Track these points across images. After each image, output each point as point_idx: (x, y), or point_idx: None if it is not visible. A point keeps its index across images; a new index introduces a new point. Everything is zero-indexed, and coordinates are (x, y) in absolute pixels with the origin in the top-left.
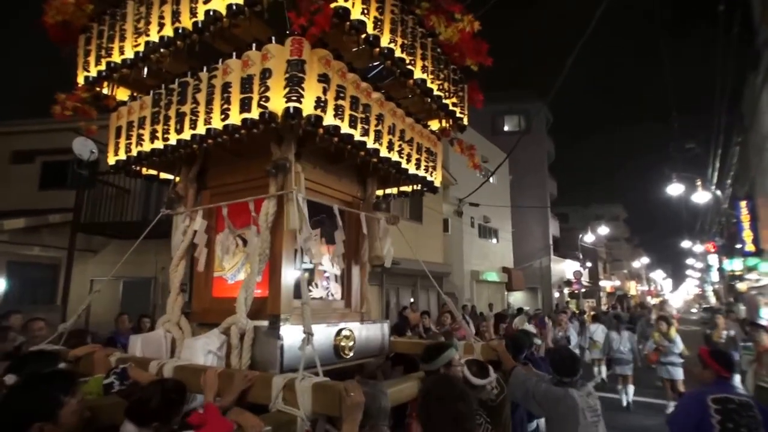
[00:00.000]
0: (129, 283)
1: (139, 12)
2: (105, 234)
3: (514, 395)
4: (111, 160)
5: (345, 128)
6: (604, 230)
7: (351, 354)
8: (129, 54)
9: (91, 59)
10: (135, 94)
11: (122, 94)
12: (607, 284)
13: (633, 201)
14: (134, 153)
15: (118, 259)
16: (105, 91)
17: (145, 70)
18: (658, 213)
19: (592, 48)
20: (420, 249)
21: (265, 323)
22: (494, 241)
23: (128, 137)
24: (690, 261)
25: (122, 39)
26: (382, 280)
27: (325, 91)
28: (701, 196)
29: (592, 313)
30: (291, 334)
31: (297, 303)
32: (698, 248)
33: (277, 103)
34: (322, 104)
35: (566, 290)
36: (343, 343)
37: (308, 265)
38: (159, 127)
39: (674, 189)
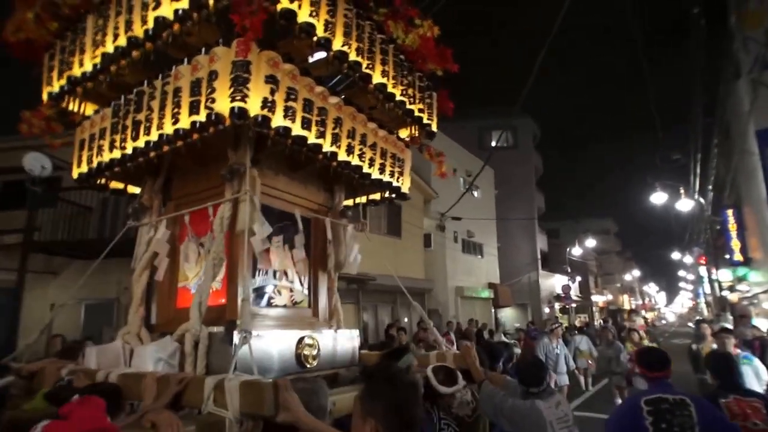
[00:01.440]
0: (91, 306)
1: (97, 25)
2: (62, 254)
3: (486, 412)
4: (75, 174)
5: (297, 130)
6: (591, 242)
7: (315, 363)
8: (88, 67)
9: (54, 75)
10: (99, 108)
11: (89, 109)
12: (599, 299)
13: (623, 214)
14: (95, 164)
15: (79, 280)
16: (71, 106)
17: (106, 82)
18: (649, 225)
19: (578, 64)
20: (399, 265)
21: (221, 329)
22: (479, 256)
23: (90, 149)
24: (682, 273)
25: (82, 52)
26: (359, 297)
27: (273, 92)
28: (685, 204)
29: (577, 325)
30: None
31: (256, 309)
32: (688, 259)
33: (223, 104)
34: (269, 105)
35: (557, 305)
36: (306, 352)
37: (274, 277)
38: (117, 137)
39: (658, 198)
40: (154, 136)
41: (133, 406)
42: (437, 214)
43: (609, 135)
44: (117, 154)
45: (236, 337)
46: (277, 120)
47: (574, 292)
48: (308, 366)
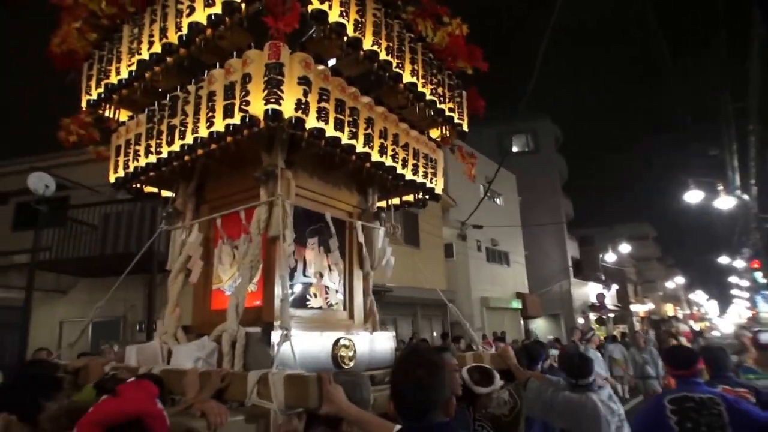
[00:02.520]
0: (98, 323)
1: (132, 34)
2: (69, 272)
3: (533, 410)
4: (112, 178)
5: (330, 131)
6: (626, 248)
7: (351, 364)
8: (124, 74)
9: (93, 83)
10: (133, 114)
11: (123, 116)
12: (639, 308)
13: (661, 218)
14: (131, 169)
15: (88, 298)
16: (107, 113)
17: (141, 89)
18: (690, 228)
19: (601, 65)
20: (418, 275)
21: (258, 330)
22: (505, 265)
23: (126, 154)
24: (733, 279)
25: (118, 61)
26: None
27: (306, 94)
28: (725, 202)
29: (610, 335)
30: (282, 341)
31: (292, 311)
32: (740, 263)
33: (258, 107)
34: (303, 106)
35: (592, 315)
36: (342, 353)
37: (310, 279)
38: (153, 142)
39: (693, 196)
40: (189, 139)
41: (174, 400)
42: (457, 222)
43: (638, 136)
44: (153, 158)
45: (276, 336)
46: (311, 121)
47: (611, 301)
48: (345, 367)
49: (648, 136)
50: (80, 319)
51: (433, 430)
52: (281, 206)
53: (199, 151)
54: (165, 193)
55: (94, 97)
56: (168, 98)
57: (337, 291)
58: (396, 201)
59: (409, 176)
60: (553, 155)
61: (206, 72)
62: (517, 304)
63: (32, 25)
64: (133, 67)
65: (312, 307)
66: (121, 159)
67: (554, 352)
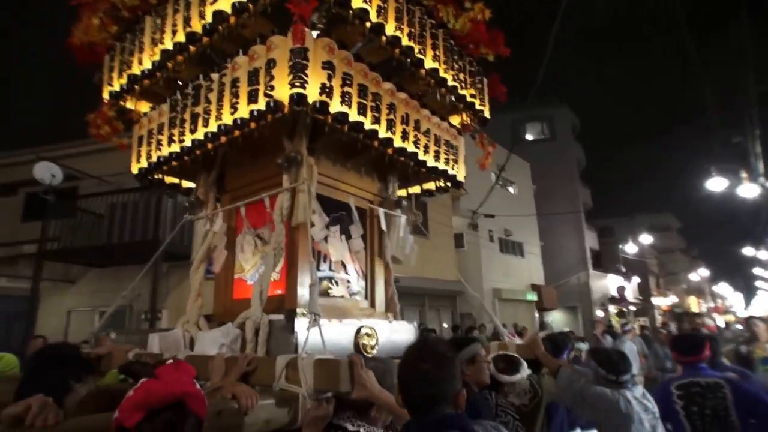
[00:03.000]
0: (104, 313)
1: (155, 24)
2: (77, 262)
3: (563, 399)
4: (134, 169)
5: (354, 116)
6: (647, 239)
7: (374, 353)
8: (147, 65)
9: (115, 75)
10: (154, 106)
11: (144, 107)
12: (662, 301)
13: (685, 208)
14: (154, 159)
15: (95, 288)
16: (128, 105)
17: (163, 79)
18: (716, 218)
19: (622, 52)
20: (426, 265)
21: (280, 317)
22: (519, 256)
23: (149, 144)
24: (758, 271)
25: (141, 51)
26: None
27: (330, 78)
28: (748, 190)
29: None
30: (305, 329)
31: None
32: (764, 255)
33: (282, 91)
34: (327, 90)
35: (612, 308)
36: (364, 341)
37: (328, 273)
38: (176, 131)
39: (715, 184)
40: (212, 127)
41: (200, 386)
42: (468, 212)
43: (660, 124)
44: (176, 147)
45: (302, 323)
46: (335, 105)
47: (632, 294)
48: (367, 355)
49: (671, 124)
50: (88, 308)
51: (441, 424)
52: (307, 192)
53: (223, 139)
54: (186, 184)
55: (116, 88)
56: (191, 87)
57: (358, 280)
58: (416, 189)
59: (431, 162)
60: (571, 143)
61: (227, 61)
62: (531, 296)
63: (36, 16)
64: (156, 57)
65: (334, 296)
66: (144, 149)
67: (582, 346)
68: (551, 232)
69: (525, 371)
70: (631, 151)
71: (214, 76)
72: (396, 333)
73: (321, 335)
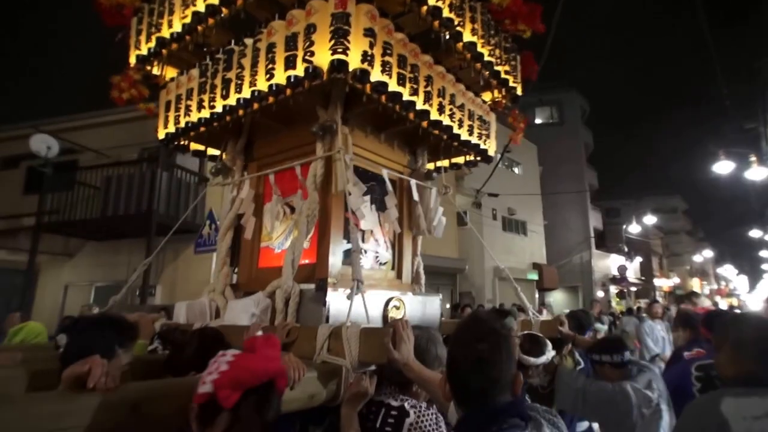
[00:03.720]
0: (101, 288)
1: None
2: (74, 235)
3: (563, 402)
4: (161, 134)
5: (393, 86)
6: (651, 219)
7: None
8: (177, 27)
9: (143, 38)
10: (181, 71)
11: (171, 73)
12: (664, 282)
13: (693, 190)
14: (182, 124)
15: (93, 261)
16: (154, 70)
17: (192, 44)
18: (723, 201)
19: (632, 32)
20: (427, 242)
21: (311, 287)
22: (522, 235)
23: (176, 109)
24: (765, 253)
25: (171, 13)
26: None
27: (371, 46)
28: (757, 173)
29: (628, 308)
30: (338, 299)
31: (345, 269)
32: None
33: (323, 57)
34: (369, 58)
35: (612, 288)
36: (392, 314)
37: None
38: (206, 96)
39: (723, 167)
40: (246, 92)
41: None
42: (472, 190)
43: (668, 107)
44: (205, 113)
45: (330, 294)
46: (375, 74)
47: (634, 274)
48: None
49: (681, 107)
50: (85, 283)
51: (499, 416)
52: (342, 160)
53: (255, 105)
54: (211, 151)
55: (144, 52)
56: (222, 52)
57: (387, 250)
58: (445, 163)
59: (464, 136)
60: (579, 127)
61: (260, 26)
62: (533, 276)
63: None
64: (187, 20)
65: (363, 266)
66: (171, 114)
67: (602, 327)
68: (556, 213)
69: (551, 353)
70: (640, 135)
71: (248, 41)
72: (423, 305)
73: (364, 302)
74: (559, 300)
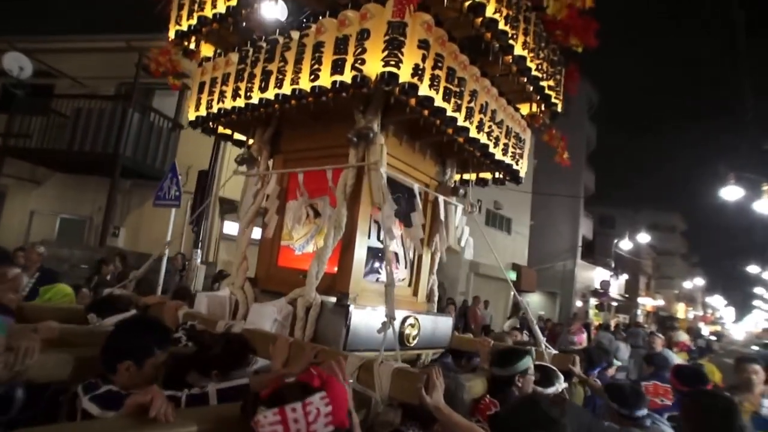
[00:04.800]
0: (66, 220)
1: None
2: (41, 163)
3: None
4: (191, 116)
5: (438, 101)
6: (644, 238)
7: (414, 343)
8: (221, 8)
9: (184, 13)
10: (218, 51)
11: (206, 50)
12: (647, 302)
13: (694, 211)
14: (215, 110)
15: (60, 193)
16: (191, 46)
17: (234, 26)
18: (725, 227)
19: (652, 33)
20: None
21: (332, 299)
22: (505, 232)
23: (210, 93)
24: (759, 290)
25: None
26: None
27: (424, 59)
28: (766, 205)
29: (606, 323)
30: (358, 315)
31: (365, 283)
32: None
33: (373, 67)
34: (419, 72)
35: (592, 300)
36: (408, 331)
37: (377, 243)
38: (242, 85)
39: (731, 192)
40: (286, 89)
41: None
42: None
43: (682, 116)
44: (240, 102)
45: (352, 311)
46: (424, 89)
47: (618, 290)
48: (408, 345)
49: (695, 118)
50: (50, 213)
51: None
52: (378, 173)
53: (293, 103)
54: (238, 136)
55: (184, 28)
56: (265, 41)
57: (406, 266)
58: (472, 176)
59: (498, 156)
60: (584, 121)
61: (310, 20)
62: (510, 275)
63: None
64: (232, 2)
65: (381, 282)
66: (204, 97)
67: (618, 363)
68: (545, 212)
69: (561, 384)
70: (647, 141)
71: (294, 34)
72: (436, 325)
73: (395, 334)
74: (535, 303)
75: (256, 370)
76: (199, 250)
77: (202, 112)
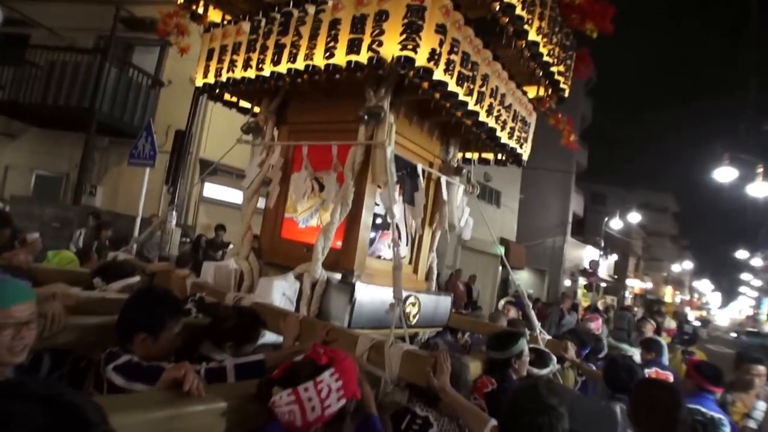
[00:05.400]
0: (41, 176)
1: None
2: (18, 117)
3: None
4: (199, 83)
5: (452, 86)
6: (635, 217)
7: (414, 321)
8: None
9: None
10: (226, 17)
11: (216, 16)
12: (636, 284)
13: (687, 193)
14: (223, 78)
15: (35, 148)
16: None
17: None
18: (718, 211)
19: (654, 10)
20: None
21: (337, 276)
22: (494, 206)
23: (220, 61)
24: (746, 276)
25: None
26: None
27: (441, 44)
28: (760, 189)
29: (594, 304)
30: (362, 292)
31: (369, 260)
32: (757, 262)
33: (390, 49)
34: (435, 57)
35: (581, 280)
36: (408, 310)
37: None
38: (254, 56)
39: (724, 174)
40: (299, 65)
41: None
42: None
43: (683, 91)
44: (251, 73)
45: (357, 288)
46: (438, 74)
47: (607, 271)
48: (409, 323)
49: (693, 98)
50: (25, 168)
51: None
52: (386, 152)
53: (305, 77)
54: (243, 104)
55: None
56: (279, 12)
57: (407, 244)
58: (474, 155)
59: (504, 139)
60: (580, 95)
61: None
62: (498, 250)
63: None
64: None
65: (384, 258)
66: (213, 65)
67: (630, 348)
68: (535, 188)
69: (554, 366)
70: (643, 118)
71: (310, 8)
72: (436, 303)
73: (403, 318)
74: (523, 279)
75: (267, 344)
76: (174, 212)
77: (210, 79)
